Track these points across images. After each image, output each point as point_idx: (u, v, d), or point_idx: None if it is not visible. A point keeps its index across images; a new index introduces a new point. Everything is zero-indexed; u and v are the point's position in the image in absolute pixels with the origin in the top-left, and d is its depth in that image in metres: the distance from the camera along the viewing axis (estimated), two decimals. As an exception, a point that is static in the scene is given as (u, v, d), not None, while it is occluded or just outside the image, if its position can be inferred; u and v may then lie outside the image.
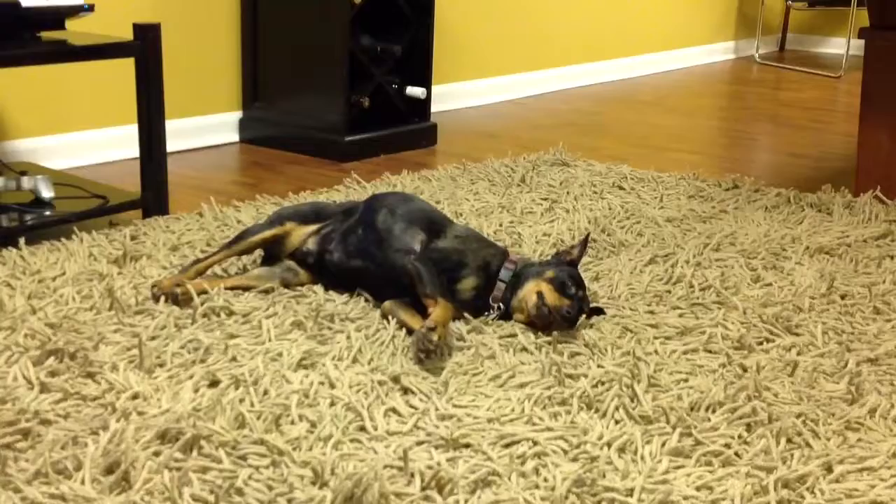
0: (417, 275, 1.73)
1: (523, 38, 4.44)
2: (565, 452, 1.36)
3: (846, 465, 1.36)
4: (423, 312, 1.71)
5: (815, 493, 1.30)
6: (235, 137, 3.38)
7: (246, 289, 1.88)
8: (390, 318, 1.76)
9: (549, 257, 2.14)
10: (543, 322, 1.73)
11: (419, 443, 1.37)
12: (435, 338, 1.58)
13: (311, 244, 1.93)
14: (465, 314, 1.77)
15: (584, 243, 1.93)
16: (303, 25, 3.19)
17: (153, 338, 1.67)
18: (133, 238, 2.17)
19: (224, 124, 3.35)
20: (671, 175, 2.93)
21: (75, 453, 1.30)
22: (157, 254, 2.07)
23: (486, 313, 1.79)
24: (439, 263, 1.78)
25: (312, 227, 1.95)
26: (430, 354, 1.60)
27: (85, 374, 1.53)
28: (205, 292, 1.82)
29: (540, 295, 1.74)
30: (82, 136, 2.96)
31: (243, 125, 3.37)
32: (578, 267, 1.89)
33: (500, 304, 1.79)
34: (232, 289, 1.87)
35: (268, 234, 1.94)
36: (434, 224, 1.90)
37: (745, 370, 1.64)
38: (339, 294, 1.89)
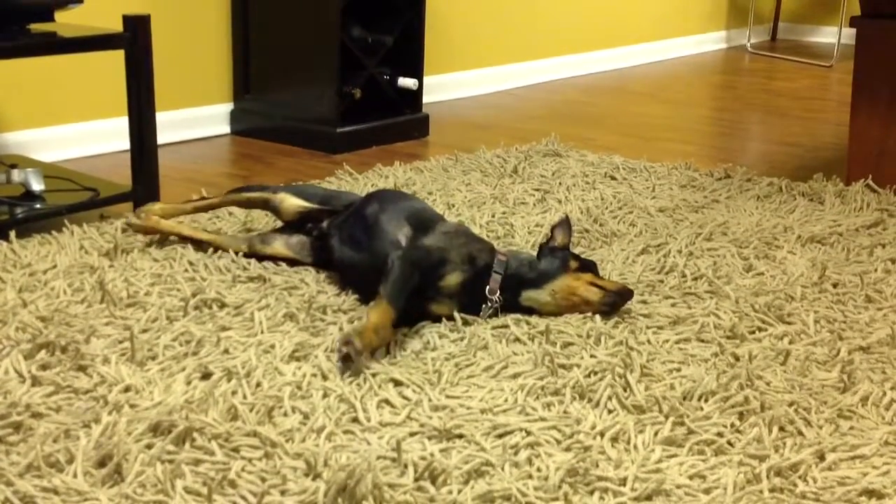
0: (390, 271, 1.69)
1: (515, 28, 4.44)
2: (558, 442, 1.36)
3: (838, 453, 1.37)
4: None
5: (808, 480, 1.30)
6: (226, 129, 3.37)
7: (198, 242, 2.05)
8: None
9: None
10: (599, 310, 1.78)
11: (412, 434, 1.37)
12: (357, 344, 1.54)
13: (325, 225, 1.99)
14: (454, 313, 1.74)
15: (565, 225, 1.94)
16: (294, 16, 3.18)
17: (145, 330, 1.67)
18: (124, 231, 2.16)
19: (215, 116, 3.33)
20: (663, 165, 2.93)
21: (67, 446, 1.29)
22: (148, 246, 2.06)
23: (485, 305, 1.77)
24: (422, 261, 1.75)
25: (312, 205, 2.03)
26: (347, 359, 1.53)
27: (76, 367, 1.53)
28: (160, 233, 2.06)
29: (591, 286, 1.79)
30: (72, 129, 2.95)
31: (234, 117, 3.36)
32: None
33: (499, 296, 1.77)
34: (191, 239, 2.06)
35: (255, 195, 2.12)
36: (422, 220, 1.89)
37: (737, 359, 1.64)
38: (330, 286, 1.89)
